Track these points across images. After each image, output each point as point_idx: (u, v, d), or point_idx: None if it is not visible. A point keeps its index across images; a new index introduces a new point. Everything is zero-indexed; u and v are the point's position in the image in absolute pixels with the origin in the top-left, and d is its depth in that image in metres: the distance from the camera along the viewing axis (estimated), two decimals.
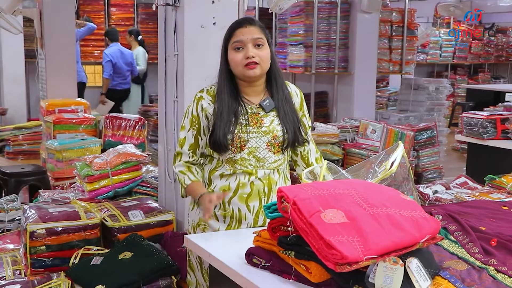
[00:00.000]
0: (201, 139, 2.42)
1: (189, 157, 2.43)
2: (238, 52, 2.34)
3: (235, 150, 2.35)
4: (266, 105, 2.40)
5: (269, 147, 2.37)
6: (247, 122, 2.36)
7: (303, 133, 2.46)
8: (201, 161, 2.48)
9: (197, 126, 2.41)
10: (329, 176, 2.13)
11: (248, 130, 2.35)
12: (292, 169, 2.60)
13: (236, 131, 2.34)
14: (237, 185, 2.38)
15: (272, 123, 2.39)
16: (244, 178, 2.38)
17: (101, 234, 3.31)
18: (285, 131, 2.38)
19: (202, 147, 2.44)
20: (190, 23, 3.38)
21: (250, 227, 2.39)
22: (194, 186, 2.40)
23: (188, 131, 2.43)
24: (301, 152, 2.52)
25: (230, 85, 2.39)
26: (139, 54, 8.96)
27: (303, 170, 2.49)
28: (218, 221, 2.42)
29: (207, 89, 2.45)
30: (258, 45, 2.34)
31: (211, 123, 2.38)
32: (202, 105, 2.40)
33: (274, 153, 2.39)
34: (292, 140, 2.41)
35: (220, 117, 2.34)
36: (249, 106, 2.39)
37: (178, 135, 2.49)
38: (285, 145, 2.41)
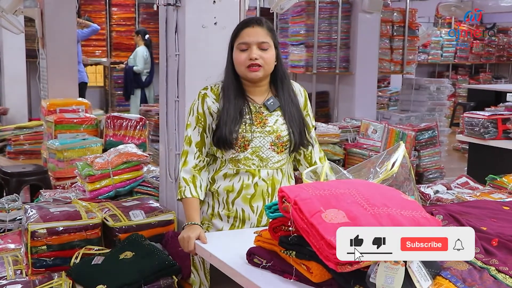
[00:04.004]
0: (207, 137, 2.41)
1: (195, 157, 2.40)
2: (243, 53, 2.33)
3: (239, 149, 2.35)
4: (270, 104, 2.39)
5: (272, 146, 2.37)
6: (251, 121, 2.35)
7: (307, 136, 2.46)
8: (208, 161, 2.45)
9: (203, 123, 2.40)
10: (332, 176, 2.12)
11: (252, 130, 2.34)
12: (295, 168, 2.60)
13: (240, 130, 2.33)
14: (240, 185, 2.37)
15: (276, 122, 2.38)
16: (247, 179, 2.37)
17: (102, 234, 3.31)
18: (291, 133, 2.37)
19: (207, 146, 2.42)
20: (191, 23, 3.38)
21: (253, 227, 2.39)
22: (190, 204, 2.35)
23: (194, 129, 2.41)
24: (304, 151, 2.51)
25: (235, 83, 2.39)
26: (137, 53, 9.00)
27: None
28: (222, 220, 2.43)
29: (211, 87, 2.44)
30: (263, 49, 2.33)
31: (215, 121, 2.38)
32: (207, 102, 2.40)
33: (278, 153, 2.38)
34: (299, 143, 2.40)
35: (227, 114, 2.33)
36: (253, 105, 2.39)
37: (185, 133, 2.45)
38: (291, 148, 2.40)
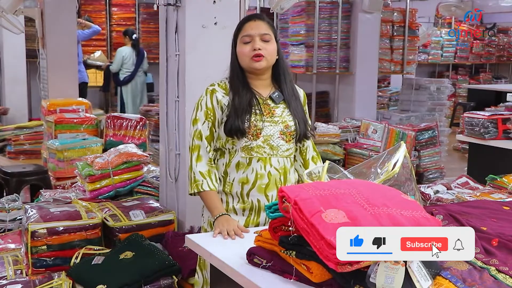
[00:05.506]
0: (215, 131, 2.45)
1: (208, 151, 2.43)
2: (246, 45, 2.41)
3: (251, 137, 2.40)
4: (276, 97, 2.47)
5: (282, 135, 2.44)
6: (260, 112, 2.42)
7: (308, 127, 2.54)
8: (215, 156, 2.49)
9: (212, 118, 2.44)
10: (326, 177, 2.13)
11: (262, 119, 2.42)
12: None
13: (252, 119, 2.40)
14: (255, 176, 2.42)
15: (283, 113, 2.46)
16: (260, 169, 2.42)
17: (102, 233, 3.31)
18: (297, 123, 2.46)
19: (215, 140, 2.47)
20: (191, 23, 3.38)
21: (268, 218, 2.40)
22: (211, 197, 2.39)
23: (203, 123, 2.44)
24: (300, 147, 2.58)
25: (241, 77, 2.46)
26: (116, 53, 9.02)
27: (300, 165, 2.59)
28: (237, 214, 2.45)
29: (217, 83, 2.49)
30: (265, 40, 2.41)
31: (225, 114, 2.42)
32: (216, 97, 2.45)
33: (287, 141, 2.46)
34: (303, 133, 2.48)
35: (237, 105, 2.39)
36: (260, 98, 2.46)
37: (193, 128, 2.46)
38: (297, 137, 2.48)
